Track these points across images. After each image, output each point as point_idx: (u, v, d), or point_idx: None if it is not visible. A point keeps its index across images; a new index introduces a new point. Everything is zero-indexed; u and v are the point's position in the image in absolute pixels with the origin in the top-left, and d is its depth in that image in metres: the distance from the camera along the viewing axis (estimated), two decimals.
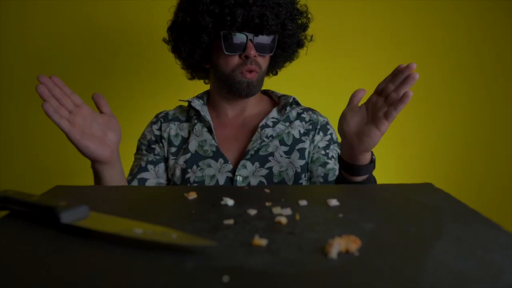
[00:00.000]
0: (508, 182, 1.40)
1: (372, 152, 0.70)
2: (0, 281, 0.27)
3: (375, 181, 0.73)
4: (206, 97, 0.96)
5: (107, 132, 0.68)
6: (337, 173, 0.81)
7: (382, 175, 1.38)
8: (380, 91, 0.65)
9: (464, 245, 0.33)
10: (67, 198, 0.40)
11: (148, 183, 0.84)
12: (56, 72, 1.29)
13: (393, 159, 1.38)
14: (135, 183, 0.84)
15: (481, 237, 0.35)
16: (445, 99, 1.38)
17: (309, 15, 0.90)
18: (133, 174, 0.86)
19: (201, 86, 1.02)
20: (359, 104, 0.68)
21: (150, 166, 0.86)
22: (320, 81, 1.34)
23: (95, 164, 0.69)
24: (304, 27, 0.91)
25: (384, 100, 0.63)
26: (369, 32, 1.34)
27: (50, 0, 1.27)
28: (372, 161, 0.69)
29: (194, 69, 0.95)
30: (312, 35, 0.94)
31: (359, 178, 0.69)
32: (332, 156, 0.87)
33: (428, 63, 1.35)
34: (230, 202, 0.44)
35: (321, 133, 0.89)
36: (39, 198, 0.41)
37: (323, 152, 0.87)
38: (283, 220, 0.39)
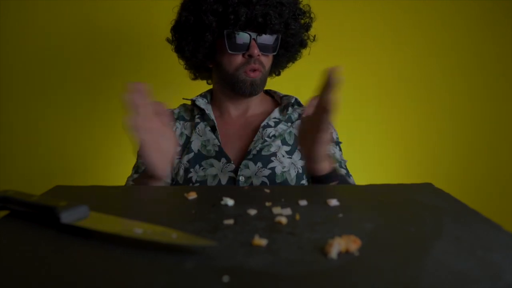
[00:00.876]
0: (508, 182, 1.40)
1: (333, 161, 0.69)
2: (0, 281, 0.27)
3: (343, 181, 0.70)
4: (210, 96, 0.96)
5: (168, 146, 0.62)
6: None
7: (382, 175, 1.38)
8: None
9: (464, 245, 0.33)
10: (67, 198, 0.40)
11: None
12: (56, 72, 1.30)
13: (393, 159, 1.38)
14: None
15: (481, 237, 0.35)
16: (445, 99, 1.38)
17: (312, 15, 0.90)
18: (139, 173, 0.85)
19: (203, 86, 1.02)
20: None
21: None
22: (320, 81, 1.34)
23: (148, 178, 0.63)
24: (307, 27, 0.91)
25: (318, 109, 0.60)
26: (369, 32, 1.34)
27: (50, 0, 1.27)
28: (334, 170, 0.67)
29: (197, 69, 0.95)
30: (315, 35, 0.94)
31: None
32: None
33: (428, 63, 1.35)
34: (230, 202, 0.44)
35: None
36: (39, 198, 0.41)
37: None
38: (283, 220, 0.39)
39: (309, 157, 0.65)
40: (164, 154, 0.61)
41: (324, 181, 0.66)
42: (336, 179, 0.67)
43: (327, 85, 0.55)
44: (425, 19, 1.34)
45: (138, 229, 0.34)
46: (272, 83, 1.00)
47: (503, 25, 1.34)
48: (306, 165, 0.67)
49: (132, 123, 0.55)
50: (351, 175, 0.87)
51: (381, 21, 1.33)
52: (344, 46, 1.33)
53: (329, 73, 0.55)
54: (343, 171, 0.85)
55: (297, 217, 0.40)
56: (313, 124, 0.60)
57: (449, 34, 1.35)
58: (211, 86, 0.98)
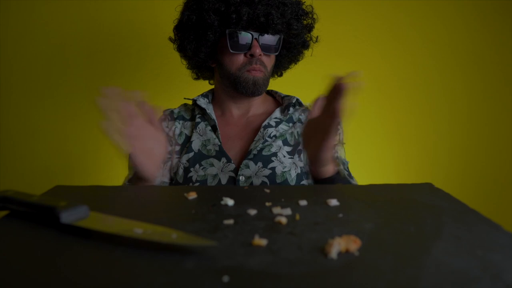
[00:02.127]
0: (508, 182, 1.40)
1: (338, 163, 0.68)
2: (0, 280, 0.27)
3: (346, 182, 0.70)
4: (211, 95, 0.96)
5: (157, 147, 0.63)
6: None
7: (381, 175, 1.38)
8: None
9: (464, 245, 0.33)
10: (67, 198, 0.40)
11: None
12: (57, 72, 1.30)
13: (392, 159, 1.38)
14: None
15: (481, 237, 0.35)
16: (444, 100, 1.38)
17: (315, 16, 0.90)
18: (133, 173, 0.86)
19: (204, 86, 1.02)
20: None
21: None
22: (322, 82, 1.34)
23: (138, 180, 0.64)
24: (310, 27, 0.91)
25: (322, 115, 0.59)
26: (367, 33, 1.34)
27: (50, 0, 1.27)
28: (338, 172, 0.67)
29: (199, 69, 0.95)
30: (317, 36, 0.94)
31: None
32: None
33: (426, 63, 1.35)
34: (230, 202, 0.44)
35: None
36: (39, 198, 0.41)
37: None
38: (283, 220, 0.39)
39: (314, 160, 0.64)
40: (152, 157, 0.61)
41: (327, 184, 0.65)
42: (340, 182, 0.66)
43: (336, 91, 0.53)
44: (424, 19, 1.34)
45: (138, 229, 0.34)
46: (273, 83, 1.00)
47: (501, 25, 1.34)
48: (310, 167, 0.66)
49: (115, 129, 0.54)
50: (353, 177, 0.87)
51: (380, 22, 1.33)
52: (343, 46, 1.33)
53: (339, 79, 0.53)
54: (345, 173, 0.85)
55: (297, 217, 0.40)
56: (319, 127, 0.59)
57: (447, 34, 1.35)
58: (213, 86, 0.98)
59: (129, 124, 0.57)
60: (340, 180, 0.67)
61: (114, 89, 0.56)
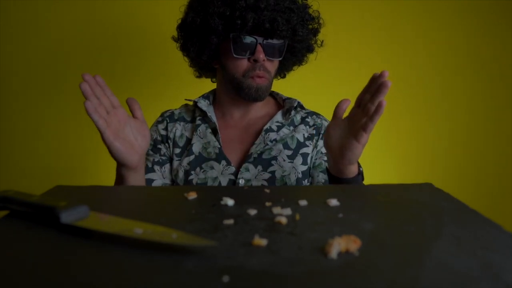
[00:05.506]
0: (508, 182, 1.40)
1: (359, 163, 0.70)
2: (0, 280, 0.27)
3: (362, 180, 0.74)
4: (212, 96, 0.95)
5: (138, 137, 0.68)
6: None
7: (382, 175, 1.38)
8: (359, 102, 0.64)
9: (464, 245, 0.33)
10: (67, 198, 0.40)
11: (154, 184, 0.84)
12: (57, 72, 1.30)
13: (392, 159, 1.38)
14: None
15: (481, 237, 0.35)
16: (442, 100, 1.38)
17: (321, 21, 0.89)
18: None
19: (206, 86, 1.02)
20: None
21: (156, 167, 0.86)
22: (323, 84, 1.34)
23: (121, 168, 0.68)
24: (315, 32, 0.90)
25: (361, 111, 0.62)
26: (366, 33, 1.34)
27: (50, 0, 1.27)
28: (360, 173, 0.69)
29: (202, 68, 0.95)
30: (322, 41, 0.92)
31: None
32: None
33: (425, 64, 1.36)
34: (230, 202, 0.44)
35: None
36: (39, 198, 0.41)
37: (325, 158, 0.86)
38: (283, 220, 0.39)
39: (341, 158, 0.65)
40: (128, 143, 0.65)
41: (349, 183, 0.67)
42: (360, 182, 0.68)
43: (379, 88, 0.57)
44: (422, 20, 1.34)
45: (138, 229, 0.34)
46: (276, 85, 0.99)
47: (499, 25, 1.34)
48: (334, 168, 0.68)
49: (89, 110, 0.59)
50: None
51: (378, 22, 1.33)
52: (342, 47, 1.33)
53: (381, 77, 0.57)
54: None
55: (297, 217, 0.40)
56: (353, 126, 0.61)
57: (445, 35, 1.35)
58: (215, 85, 0.97)
59: (112, 114, 0.64)
60: (361, 181, 0.69)
61: (95, 78, 0.62)
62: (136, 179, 0.70)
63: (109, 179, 1.32)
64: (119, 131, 0.65)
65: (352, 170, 0.67)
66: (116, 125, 0.64)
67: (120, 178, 0.70)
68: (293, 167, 0.84)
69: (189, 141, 0.88)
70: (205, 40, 0.82)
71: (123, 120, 0.65)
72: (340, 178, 0.68)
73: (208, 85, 1.02)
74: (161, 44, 1.27)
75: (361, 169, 0.70)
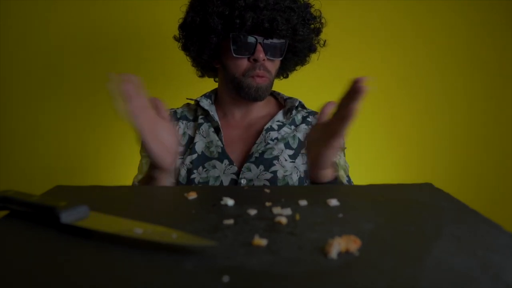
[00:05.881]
0: (508, 182, 1.40)
1: (336, 168, 0.69)
2: (0, 280, 0.27)
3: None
4: (214, 96, 0.95)
5: (169, 138, 0.62)
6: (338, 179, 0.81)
7: (382, 175, 1.38)
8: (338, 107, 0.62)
9: (464, 245, 0.33)
10: (67, 198, 0.40)
11: None
12: (57, 72, 1.30)
13: (392, 159, 1.38)
14: None
15: (481, 237, 0.35)
16: (444, 100, 1.38)
17: (323, 20, 0.88)
18: (143, 173, 0.85)
19: (207, 86, 1.02)
20: None
21: None
22: (324, 83, 1.34)
23: (154, 170, 0.64)
24: (317, 31, 0.89)
25: (337, 115, 0.59)
26: (366, 33, 1.34)
27: (50, 0, 1.27)
28: (336, 178, 0.67)
29: (204, 68, 0.95)
30: (325, 40, 0.92)
31: None
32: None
33: (425, 63, 1.35)
34: (230, 202, 0.44)
35: None
36: (39, 198, 0.41)
37: None
38: (283, 220, 0.39)
39: (315, 163, 0.64)
40: (163, 145, 0.61)
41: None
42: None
43: (353, 93, 0.54)
44: (422, 20, 1.34)
45: (138, 229, 0.34)
46: (276, 84, 0.99)
47: (500, 25, 1.34)
48: (310, 171, 0.67)
49: (127, 110, 0.54)
50: (352, 182, 0.86)
51: (378, 22, 1.33)
52: (341, 47, 1.33)
53: (357, 82, 0.54)
54: (345, 179, 0.85)
55: (297, 217, 0.40)
56: (327, 130, 0.60)
57: (445, 35, 1.35)
58: (216, 85, 0.97)
59: (144, 109, 0.57)
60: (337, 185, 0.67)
61: (133, 77, 0.56)
62: (168, 180, 0.67)
63: (109, 179, 1.33)
64: (153, 133, 0.59)
65: (326, 175, 0.65)
66: (150, 126, 0.58)
67: (151, 180, 0.66)
68: (295, 166, 0.84)
69: (191, 140, 0.88)
70: (205, 39, 0.82)
71: (154, 121, 0.60)
72: (315, 182, 0.67)
73: (208, 85, 1.02)
74: (161, 44, 1.27)
75: (336, 173, 0.68)
